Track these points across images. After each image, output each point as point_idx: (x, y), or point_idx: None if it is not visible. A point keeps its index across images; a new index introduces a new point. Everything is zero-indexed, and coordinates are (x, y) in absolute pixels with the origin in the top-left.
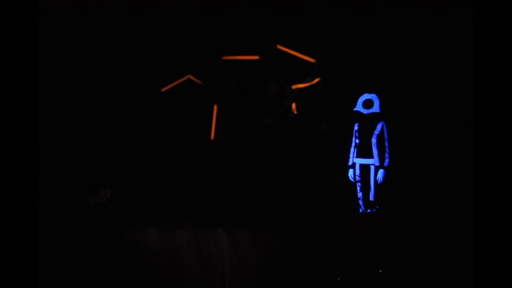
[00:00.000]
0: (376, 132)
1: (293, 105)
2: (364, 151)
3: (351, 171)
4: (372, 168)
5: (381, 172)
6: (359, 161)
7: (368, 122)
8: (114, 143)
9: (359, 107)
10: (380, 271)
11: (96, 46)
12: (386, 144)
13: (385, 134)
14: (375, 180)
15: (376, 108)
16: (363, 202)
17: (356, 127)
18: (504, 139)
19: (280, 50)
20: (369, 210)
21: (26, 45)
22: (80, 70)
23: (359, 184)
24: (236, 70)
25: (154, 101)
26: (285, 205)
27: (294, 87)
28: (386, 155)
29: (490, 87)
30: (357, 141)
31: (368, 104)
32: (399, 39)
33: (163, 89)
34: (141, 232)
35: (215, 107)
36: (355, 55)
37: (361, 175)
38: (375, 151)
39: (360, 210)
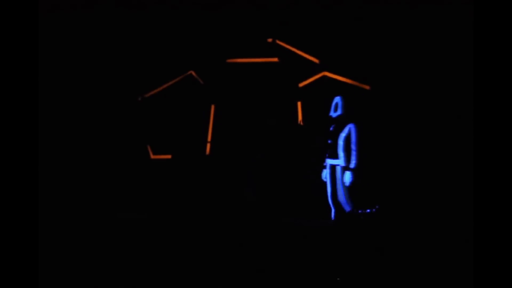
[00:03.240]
0: (344, 134)
1: (299, 104)
2: (333, 153)
3: (324, 172)
4: (339, 168)
5: (348, 174)
6: (329, 162)
7: (339, 124)
8: (114, 142)
9: (331, 112)
10: (380, 271)
11: (96, 47)
12: (353, 146)
13: (353, 136)
14: (343, 182)
15: (340, 111)
16: (333, 202)
17: (331, 129)
18: (504, 139)
19: (284, 48)
20: (368, 210)
21: (26, 45)
22: (80, 70)
23: (329, 184)
24: (240, 72)
25: (154, 101)
26: (285, 205)
27: (301, 85)
28: (353, 157)
29: (490, 88)
30: (329, 142)
31: (337, 107)
32: (399, 37)
33: (147, 95)
34: (141, 230)
35: (213, 108)
36: (355, 53)
37: (331, 175)
38: (341, 153)
39: (332, 211)
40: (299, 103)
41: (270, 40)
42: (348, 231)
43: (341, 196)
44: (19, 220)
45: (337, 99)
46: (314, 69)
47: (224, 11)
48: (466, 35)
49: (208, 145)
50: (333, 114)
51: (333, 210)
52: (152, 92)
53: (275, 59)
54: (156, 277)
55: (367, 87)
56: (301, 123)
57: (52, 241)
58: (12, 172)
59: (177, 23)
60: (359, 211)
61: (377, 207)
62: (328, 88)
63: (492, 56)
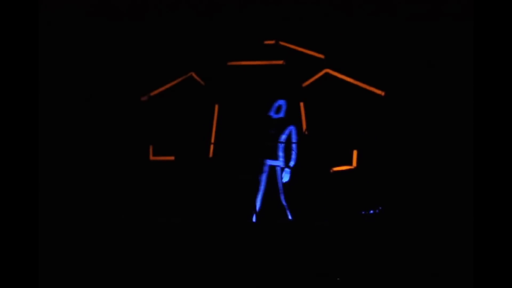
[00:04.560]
0: (284, 135)
1: (301, 105)
2: (273, 154)
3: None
4: (279, 169)
5: (286, 171)
6: (269, 162)
7: (280, 127)
8: (115, 142)
9: (272, 112)
10: (382, 272)
11: (97, 47)
12: (293, 146)
13: (293, 138)
14: (282, 180)
15: (282, 114)
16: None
17: (272, 131)
18: (504, 143)
19: (287, 49)
20: (371, 211)
21: (26, 45)
22: (82, 71)
23: (263, 185)
24: (243, 74)
25: (156, 102)
26: (287, 205)
27: (304, 85)
28: (292, 157)
29: (490, 92)
30: (269, 143)
31: (278, 109)
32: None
33: (152, 92)
34: (143, 231)
35: (216, 108)
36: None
37: (268, 176)
38: (281, 154)
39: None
40: (301, 104)
41: (272, 42)
42: (350, 231)
43: (282, 199)
44: (19, 222)
45: (281, 102)
46: (319, 66)
47: (225, 12)
48: (466, 37)
49: (212, 147)
50: (273, 115)
51: (257, 211)
52: (156, 91)
53: (281, 62)
54: (159, 279)
55: (382, 93)
56: (306, 132)
57: (52, 242)
58: (13, 173)
59: (180, 24)
60: (362, 212)
61: (380, 208)
62: (333, 88)
63: (492, 60)
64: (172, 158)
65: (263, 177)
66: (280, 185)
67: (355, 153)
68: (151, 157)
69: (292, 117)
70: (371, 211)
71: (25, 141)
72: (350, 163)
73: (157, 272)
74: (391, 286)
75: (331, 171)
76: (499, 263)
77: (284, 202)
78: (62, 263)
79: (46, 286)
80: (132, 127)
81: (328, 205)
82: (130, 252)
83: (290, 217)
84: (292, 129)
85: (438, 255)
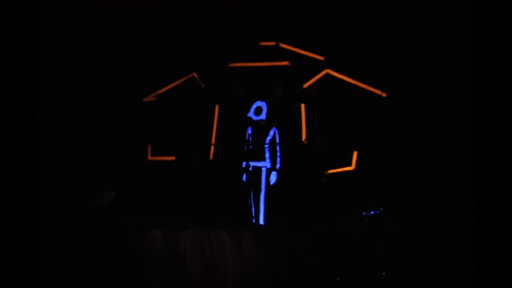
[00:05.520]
0: (269, 137)
1: (302, 106)
2: (257, 155)
3: (245, 175)
4: (264, 170)
5: (273, 174)
6: (252, 164)
7: (260, 127)
8: (117, 144)
9: (251, 113)
10: (384, 273)
11: (99, 48)
12: (278, 148)
13: (277, 139)
14: (268, 182)
15: (263, 116)
16: (254, 204)
17: (249, 131)
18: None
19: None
20: (372, 212)
21: (26, 45)
22: (82, 71)
23: (251, 186)
24: (243, 75)
25: (157, 102)
26: (289, 207)
27: (305, 85)
28: (278, 159)
29: (491, 92)
30: (250, 145)
31: (258, 111)
32: (400, 39)
33: (159, 91)
34: (145, 233)
35: (217, 108)
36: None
37: (253, 177)
38: (267, 155)
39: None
40: (302, 105)
41: (273, 43)
42: (351, 232)
43: (262, 200)
44: (18, 222)
45: (261, 104)
46: (319, 67)
47: (228, 14)
48: (466, 39)
49: (212, 148)
50: (253, 117)
51: (253, 212)
52: (159, 91)
53: (286, 63)
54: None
55: (384, 94)
56: (305, 142)
57: (51, 242)
58: (12, 172)
59: (182, 26)
60: (363, 213)
61: (381, 209)
62: (334, 89)
63: (492, 61)
64: (171, 158)
65: (250, 179)
66: (263, 186)
67: (355, 154)
68: (149, 157)
69: (273, 119)
70: (372, 212)
71: (25, 141)
72: (350, 165)
73: (155, 271)
74: (390, 286)
75: (327, 173)
76: (499, 263)
77: (256, 204)
78: (62, 262)
79: (46, 286)
80: (131, 127)
81: (327, 206)
82: (129, 252)
83: (261, 221)
84: (275, 130)
85: (438, 256)
